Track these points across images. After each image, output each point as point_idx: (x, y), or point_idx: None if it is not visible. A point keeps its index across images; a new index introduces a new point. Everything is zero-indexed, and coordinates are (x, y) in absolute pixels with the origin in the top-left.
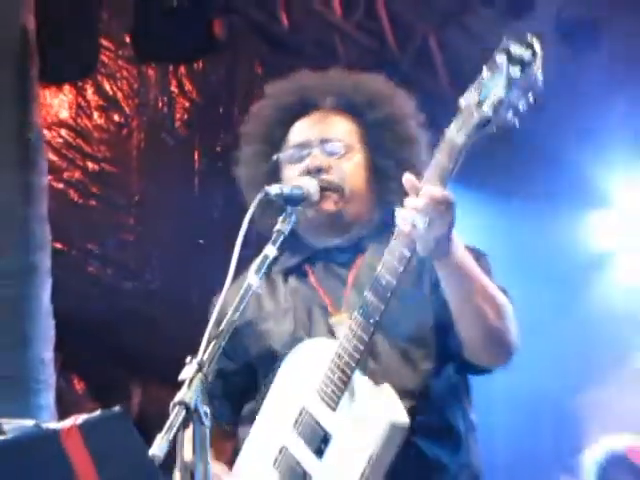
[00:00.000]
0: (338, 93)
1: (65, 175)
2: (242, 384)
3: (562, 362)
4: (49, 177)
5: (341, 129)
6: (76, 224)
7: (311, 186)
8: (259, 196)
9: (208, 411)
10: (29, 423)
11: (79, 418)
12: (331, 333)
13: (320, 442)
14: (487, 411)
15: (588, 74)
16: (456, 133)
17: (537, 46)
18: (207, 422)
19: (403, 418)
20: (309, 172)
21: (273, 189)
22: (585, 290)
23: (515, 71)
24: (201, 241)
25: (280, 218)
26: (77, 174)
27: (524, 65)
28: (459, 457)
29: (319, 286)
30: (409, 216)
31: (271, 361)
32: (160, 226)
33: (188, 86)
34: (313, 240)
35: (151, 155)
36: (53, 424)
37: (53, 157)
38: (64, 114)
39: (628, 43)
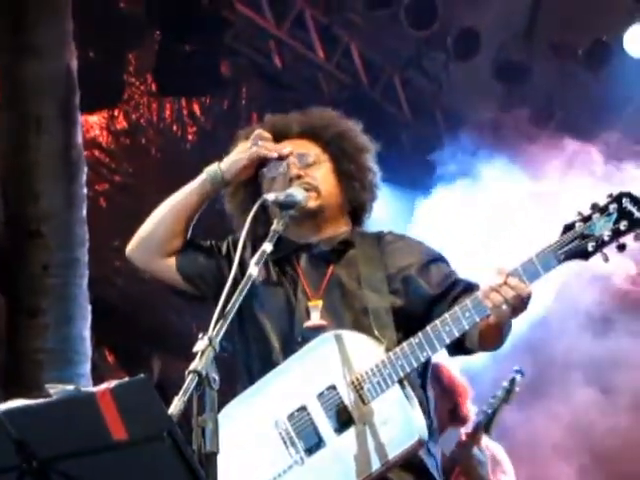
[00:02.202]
0: (299, 123)
1: (96, 186)
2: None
3: None
4: None
5: (308, 146)
6: (104, 226)
7: (299, 193)
8: (258, 202)
9: (217, 378)
10: (70, 387)
11: (111, 383)
12: (307, 315)
13: (342, 423)
14: None
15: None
16: (554, 253)
17: None
18: (216, 387)
19: (426, 435)
20: (291, 180)
21: (270, 197)
22: None
23: (623, 224)
24: None
25: (275, 220)
26: (106, 186)
27: (632, 223)
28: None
29: (302, 274)
30: (497, 301)
31: (261, 330)
32: None
33: (197, 115)
34: (297, 238)
35: (166, 170)
36: (90, 388)
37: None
38: (97, 137)
39: (548, 82)
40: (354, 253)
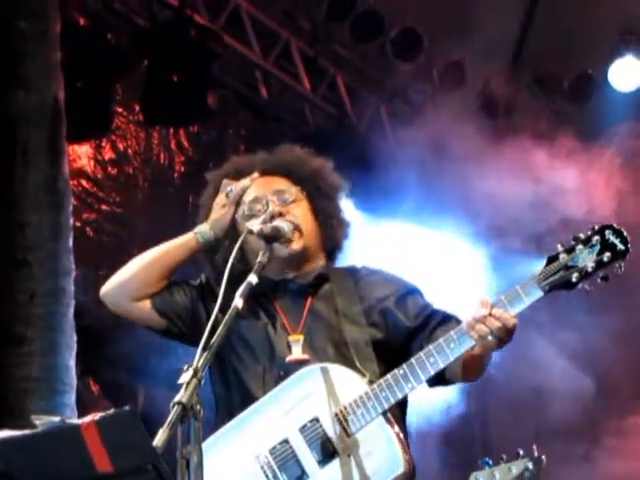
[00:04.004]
0: (264, 161)
1: (84, 216)
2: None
3: None
4: None
5: (285, 183)
6: (91, 255)
7: (285, 225)
8: (244, 233)
9: (202, 410)
10: (56, 419)
11: (96, 415)
12: (289, 349)
13: (326, 456)
14: None
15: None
16: (539, 284)
17: (629, 244)
18: (200, 419)
19: (411, 467)
20: (273, 217)
21: (256, 228)
22: None
23: (607, 256)
24: None
25: (260, 252)
26: (93, 215)
27: (615, 254)
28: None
29: (280, 310)
30: (484, 332)
31: (241, 364)
32: None
33: (185, 145)
34: (273, 274)
35: (154, 200)
36: (75, 420)
37: (74, 201)
38: (84, 166)
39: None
40: (330, 287)
